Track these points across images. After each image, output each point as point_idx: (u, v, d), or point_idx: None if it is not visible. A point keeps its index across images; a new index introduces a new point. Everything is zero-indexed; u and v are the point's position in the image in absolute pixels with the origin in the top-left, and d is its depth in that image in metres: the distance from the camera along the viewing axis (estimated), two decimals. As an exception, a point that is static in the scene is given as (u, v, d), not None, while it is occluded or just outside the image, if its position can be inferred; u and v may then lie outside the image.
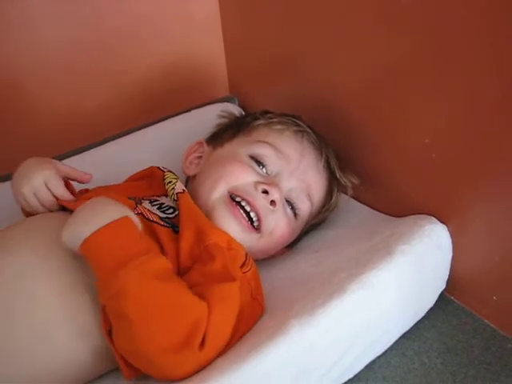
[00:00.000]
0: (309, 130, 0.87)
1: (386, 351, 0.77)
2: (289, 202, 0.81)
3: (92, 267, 0.62)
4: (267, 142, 0.83)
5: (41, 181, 0.75)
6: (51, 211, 0.76)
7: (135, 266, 0.60)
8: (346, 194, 0.90)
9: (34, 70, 1.01)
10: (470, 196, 0.76)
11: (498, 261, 0.76)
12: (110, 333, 0.63)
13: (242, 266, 0.70)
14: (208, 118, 1.01)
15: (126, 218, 0.64)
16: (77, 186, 0.82)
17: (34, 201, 0.75)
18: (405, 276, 0.74)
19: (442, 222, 0.79)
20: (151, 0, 1.09)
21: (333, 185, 0.88)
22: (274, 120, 0.87)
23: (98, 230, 0.62)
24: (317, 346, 0.66)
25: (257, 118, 0.88)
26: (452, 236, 0.79)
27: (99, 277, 0.62)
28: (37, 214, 0.76)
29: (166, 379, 0.62)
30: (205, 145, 0.89)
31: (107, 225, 0.62)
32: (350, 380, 0.73)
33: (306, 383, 0.67)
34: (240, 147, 0.83)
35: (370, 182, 0.89)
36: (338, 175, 0.87)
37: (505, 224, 0.73)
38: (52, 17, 0.99)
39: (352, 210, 0.91)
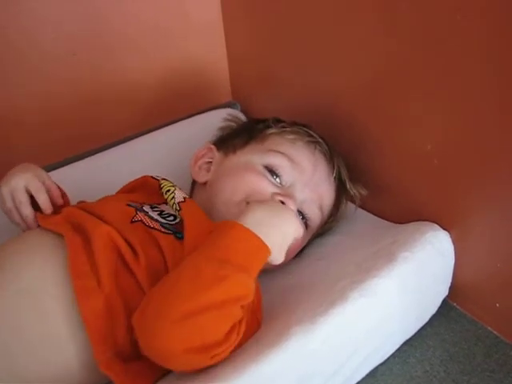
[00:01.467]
0: (320, 140, 0.86)
1: (388, 359, 0.76)
2: (300, 213, 0.81)
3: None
4: (281, 152, 0.82)
5: (21, 183, 0.74)
6: (26, 223, 0.75)
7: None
8: (354, 203, 0.90)
9: (31, 75, 1.01)
10: (472, 202, 0.76)
11: (501, 267, 0.76)
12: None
13: None
14: (210, 123, 1.01)
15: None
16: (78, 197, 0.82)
17: (9, 203, 0.74)
18: (407, 283, 0.73)
19: (444, 228, 0.79)
20: (152, 5, 1.09)
21: (342, 195, 0.88)
22: (287, 129, 0.86)
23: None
24: (318, 353, 0.66)
25: (269, 126, 0.87)
26: (454, 243, 0.79)
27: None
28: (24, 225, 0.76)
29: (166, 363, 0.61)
30: (215, 150, 0.88)
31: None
32: (352, 387, 0.73)
33: (308, 391, 0.67)
34: (254, 156, 0.83)
35: (371, 188, 0.89)
36: (348, 186, 0.87)
37: (507, 230, 0.73)
38: (51, 20, 0.99)
39: (354, 216, 0.90)
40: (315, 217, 0.82)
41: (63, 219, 0.72)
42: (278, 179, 0.80)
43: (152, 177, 0.86)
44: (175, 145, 1.04)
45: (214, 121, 1.01)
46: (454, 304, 0.83)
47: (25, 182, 0.74)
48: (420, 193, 0.82)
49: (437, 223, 0.80)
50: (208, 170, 0.87)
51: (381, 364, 0.76)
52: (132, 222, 0.73)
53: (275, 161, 0.81)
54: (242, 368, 0.61)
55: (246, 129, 0.91)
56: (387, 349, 0.76)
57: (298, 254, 0.86)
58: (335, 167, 0.85)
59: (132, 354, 0.66)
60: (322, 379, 0.68)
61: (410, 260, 0.74)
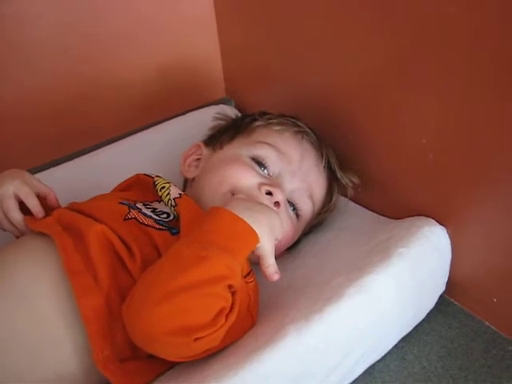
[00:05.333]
0: (308, 130, 0.86)
1: (385, 355, 0.76)
2: (291, 203, 0.81)
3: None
4: (268, 143, 0.82)
5: (10, 189, 0.73)
6: (17, 229, 0.75)
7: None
8: (346, 195, 0.89)
9: (28, 70, 1.00)
10: (468, 197, 0.75)
11: (498, 262, 0.76)
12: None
13: (245, 276, 0.69)
14: (205, 120, 1.01)
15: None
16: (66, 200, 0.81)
17: None
18: (403, 279, 0.73)
19: (440, 223, 0.78)
20: (146, 1, 1.08)
21: (333, 185, 0.87)
22: (273, 121, 0.86)
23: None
24: (314, 351, 0.65)
25: (255, 119, 0.87)
26: (451, 238, 0.78)
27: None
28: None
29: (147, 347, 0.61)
30: (203, 147, 0.89)
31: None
32: (349, 385, 0.72)
33: (304, 389, 0.66)
34: (240, 149, 0.83)
35: (367, 183, 0.88)
36: (338, 175, 0.87)
37: (504, 225, 0.73)
38: (47, 18, 0.98)
39: (350, 212, 0.90)
40: (306, 207, 0.82)
41: (54, 221, 0.71)
42: (265, 170, 0.80)
43: (145, 174, 0.85)
44: (169, 142, 1.04)
45: (208, 118, 1.00)
46: (452, 299, 0.83)
47: (14, 188, 0.74)
48: (416, 187, 0.82)
49: (433, 218, 0.79)
50: (197, 167, 0.87)
51: (378, 361, 0.75)
52: (125, 219, 0.73)
53: (262, 152, 0.81)
54: (236, 366, 0.61)
55: (234, 124, 0.91)
56: (384, 345, 0.76)
57: (294, 248, 0.86)
58: (324, 156, 0.85)
59: (129, 354, 0.65)
60: (319, 377, 0.67)
61: (406, 256, 0.73)
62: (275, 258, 0.69)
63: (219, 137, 0.89)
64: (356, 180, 0.87)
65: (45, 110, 1.03)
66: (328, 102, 0.93)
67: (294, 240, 0.84)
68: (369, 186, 0.88)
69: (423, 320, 0.79)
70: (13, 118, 1.00)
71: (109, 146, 1.04)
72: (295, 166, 0.82)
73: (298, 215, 0.82)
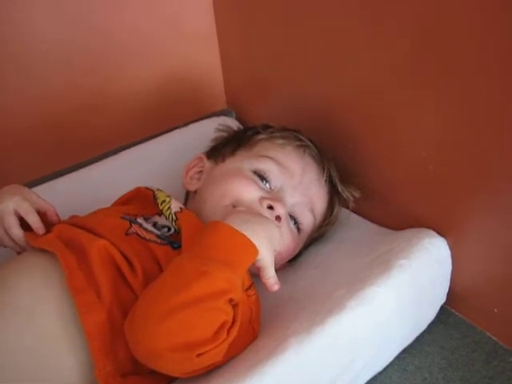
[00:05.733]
0: (310, 143, 0.87)
1: (387, 367, 0.76)
2: (292, 217, 0.81)
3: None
4: (270, 157, 0.82)
5: (10, 206, 0.73)
6: (18, 245, 0.75)
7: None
8: (348, 207, 0.90)
9: (26, 85, 1.00)
10: (468, 208, 0.75)
11: (498, 273, 0.76)
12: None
13: (247, 289, 0.69)
14: (206, 131, 1.01)
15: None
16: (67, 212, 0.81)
17: None
18: (404, 290, 0.73)
19: (440, 234, 0.79)
20: (147, 14, 1.08)
21: (334, 198, 0.88)
22: (276, 134, 0.87)
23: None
24: (315, 363, 0.65)
25: (258, 133, 0.88)
26: (451, 249, 0.78)
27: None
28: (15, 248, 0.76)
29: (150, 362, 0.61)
30: (205, 159, 0.89)
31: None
32: (351, 397, 0.72)
33: (305, 402, 0.66)
34: (243, 162, 0.83)
35: (368, 195, 0.88)
36: (339, 189, 0.87)
37: (504, 236, 0.73)
38: (47, 29, 0.99)
39: (351, 223, 0.90)
40: (307, 220, 0.82)
41: (55, 237, 0.71)
42: (267, 184, 0.81)
43: (146, 188, 0.85)
44: (171, 154, 1.04)
45: (208, 129, 1.00)
46: (453, 310, 0.83)
47: (14, 204, 0.74)
48: (416, 199, 0.82)
49: (433, 229, 0.79)
50: (199, 179, 0.87)
51: (380, 372, 0.75)
52: (126, 234, 0.73)
53: (264, 166, 0.81)
54: (238, 380, 0.61)
55: (236, 137, 0.91)
56: (386, 357, 0.76)
57: (295, 260, 0.86)
58: (325, 170, 0.86)
59: (131, 369, 0.66)
60: (321, 389, 0.67)
61: (407, 267, 0.73)
62: (276, 270, 0.69)
63: (221, 149, 0.89)
64: (357, 194, 0.88)
65: (45, 122, 1.03)
66: (328, 114, 0.93)
67: (296, 253, 0.84)
68: (369, 197, 0.89)
69: (424, 331, 0.80)
70: (13, 129, 1.00)
71: (110, 159, 1.04)
72: (297, 180, 0.82)
73: (299, 229, 0.82)
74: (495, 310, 0.77)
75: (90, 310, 0.64)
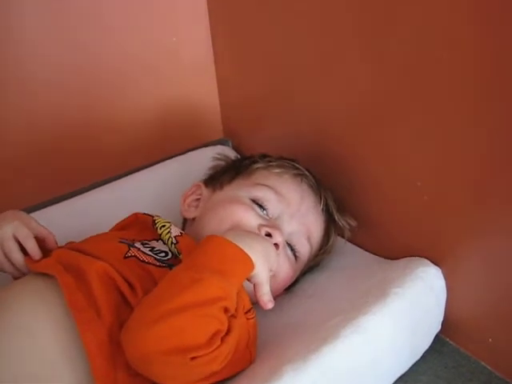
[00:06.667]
0: (307, 173, 0.88)
1: (381, 396, 0.76)
2: (289, 245, 0.82)
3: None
4: (267, 185, 0.84)
5: (9, 231, 0.74)
6: (17, 270, 0.75)
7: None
8: (343, 236, 0.90)
9: (21, 116, 1.01)
10: (462, 237, 0.76)
11: (493, 302, 0.76)
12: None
13: (246, 312, 0.70)
14: (202, 160, 1.02)
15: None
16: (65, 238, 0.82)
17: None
18: (399, 319, 0.73)
19: (435, 263, 0.79)
20: (144, 44, 1.10)
21: (330, 227, 0.88)
22: (273, 163, 0.88)
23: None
24: (311, 392, 0.65)
25: (255, 162, 0.89)
26: (446, 278, 0.79)
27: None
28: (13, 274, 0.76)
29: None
30: (203, 187, 0.90)
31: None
32: (346, 427, 0.72)
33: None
34: (240, 190, 0.84)
35: (362, 223, 0.89)
36: (336, 217, 0.88)
37: (499, 265, 0.73)
38: (43, 53, 1.00)
39: (346, 252, 0.91)
40: (304, 249, 0.83)
41: (54, 261, 0.71)
42: (264, 212, 0.82)
43: (144, 214, 0.86)
44: (166, 182, 1.05)
45: (206, 158, 1.02)
46: (447, 339, 0.83)
47: (12, 229, 0.74)
48: (410, 228, 0.83)
49: (428, 258, 0.80)
50: (197, 207, 0.88)
51: (375, 401, 0.75)
52: (125, 257, 0.74)
53: (261, 194, 0.82)
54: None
55: (233, 165, 0.93)
56: (381, 386, 0.76)
57: (290, 288, 0.86)
58: (322, 199, 0.87)
59: None
60: (315, 418, 0.67)
61: (402, 296, 0.74)
62: (274, 298, 0.70)
63: (219, 177, 0.90)
64: (353, 223, 0.88)
65: (40, 150, 1.03)
66: (323, 145, 0.94)
67: (293, 280, 0.85)
68: (364, 226, 0.89)
69: (419, 360, 0.79)
70: (9, 157, 1.01)
71: (106, 186, 1.04)
72: (294, 208, 0.83)
73: (296, 256, 0.82)
74: (490, 340, 0.77)
75: (91, 327, 0.64)
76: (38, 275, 0.71)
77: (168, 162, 1.12)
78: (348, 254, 0.90)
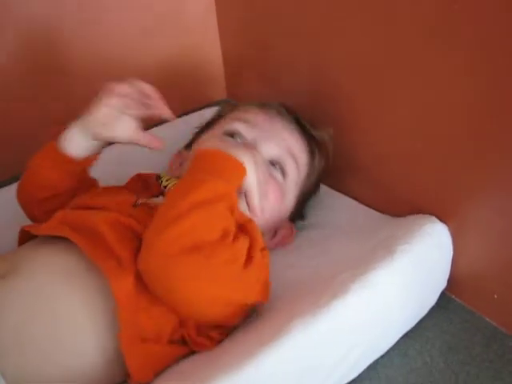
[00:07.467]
0: (275, 103, 0.90)
1: (388, 351, 0.76)
2: (273, 165, 0.83)
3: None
4: (236, 119, 0.86)
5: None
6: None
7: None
8: (328, 157, 0.91)
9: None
10: (469, 194, 0.76)
11: (499, 259, 0.77)
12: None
13: (262, 250, 0.71)
14: (205, 120, 1.01)
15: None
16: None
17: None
18: (406, 275, 0.74)
19: (442, 221, 0.79)
20: (147, 2, 1.09)
21: (312, 144, 0.89)
22: (239, 106, 0.92)
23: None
24: (320, 345, 0.66)
25: (223, 112, 0.93)
26: (452, 235, 0.79)
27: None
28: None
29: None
30: (183, 151, 0.93)
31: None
32: (353, 380, 0.73)
33: (310, 383, 0.67)
34: (213, 132, 0.87)
35: (370, 183, 0.90)
36: (312, 132, 0.89)
37: (505, 222, 0.74)
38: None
39: (353, 211, 0.91)
40: (290, 166, 0.84)
41: (58, 222, 0.72)
42: (239, 140, 0.83)
43: (146, 173, 0.89)
44: (169, 142, 1.03)
45: (207, 118, 1.01)
46: (453, 296, 0.83)
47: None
48: (417, 185, 0.83)
49: (435, 215, 0.80)
50: (181, 165, 0.90)
51: (381, 356, 0.76)
52: (135, 205, 0.75)
53: (232, 127, 0.85)
54: (243, 360, 0.61)
55: (206, 123, 0.95)
56: (387, 341, 0.76)
57: (297, 220, 0.89)
58: (293, 118, 0.89)
59: (151, 337, 0.67)
60: (324, 372, 0.68)
61: (409, 252, 0.74)
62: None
63: (195, 137, 0.93)
64: (330, 131, 0.90)
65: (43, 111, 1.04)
66: (328, 108, 0.94)
67: (289, 203, 0.86)
68: (372, 185, 0.90)
69: (425, 316, 0.80)
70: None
71: (107, 149, 1.03)
72: (267, 132, 0.84)
73: (283, 176, 0.84)
74: (495, 296, 0.78)
75: (117, 274, 0.65)
76: (46, 239, 0.71)
77: (171, 122, 1.09)
78: (356, 213, 0.90)
